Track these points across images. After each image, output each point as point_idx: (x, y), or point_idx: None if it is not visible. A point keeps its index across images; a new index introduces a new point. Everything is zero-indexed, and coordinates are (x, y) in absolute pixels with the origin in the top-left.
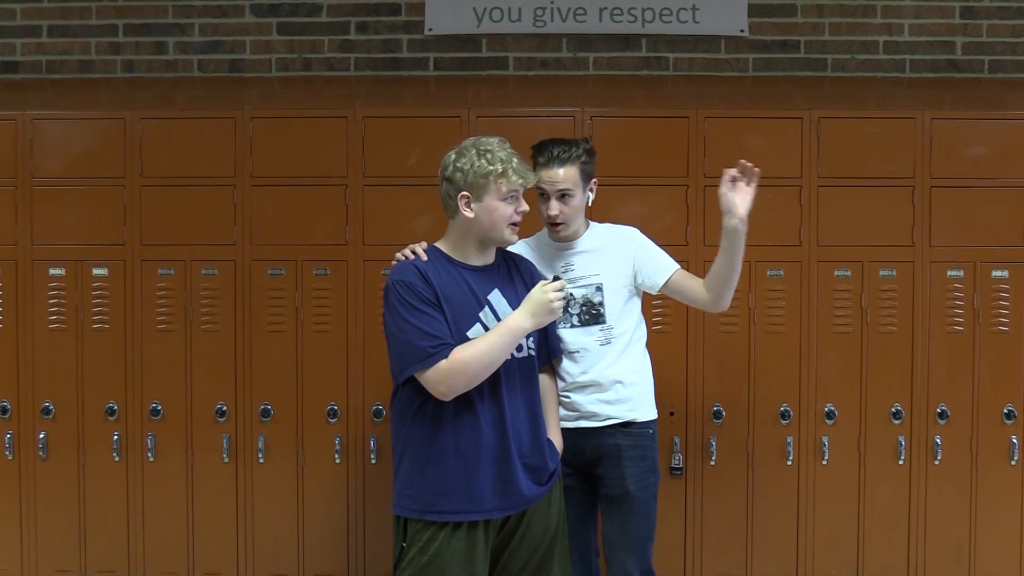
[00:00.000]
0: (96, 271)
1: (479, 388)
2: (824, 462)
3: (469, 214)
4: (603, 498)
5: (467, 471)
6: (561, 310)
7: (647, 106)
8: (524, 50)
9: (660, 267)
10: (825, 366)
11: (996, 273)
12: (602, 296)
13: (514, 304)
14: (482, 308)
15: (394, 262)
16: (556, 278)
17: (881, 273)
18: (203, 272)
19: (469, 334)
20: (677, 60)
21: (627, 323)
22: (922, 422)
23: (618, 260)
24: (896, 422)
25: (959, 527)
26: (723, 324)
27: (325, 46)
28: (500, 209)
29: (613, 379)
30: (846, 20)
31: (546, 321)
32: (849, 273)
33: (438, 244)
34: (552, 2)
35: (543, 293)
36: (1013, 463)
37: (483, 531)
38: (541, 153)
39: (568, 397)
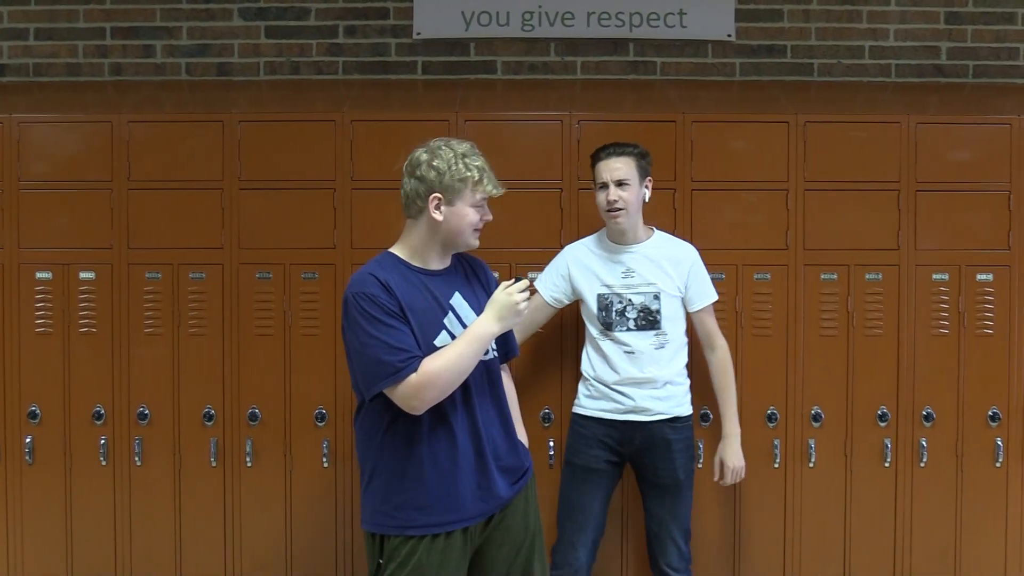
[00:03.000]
0: (83, 275)
1: (451, 398)
2: (811, 464)
3: (438, 216)
4: (654, 486)
5: (447, 483)
6: (526, 310)
7: (635, 110)
8: (512, 54)
9: (703, 294)
10: (811, 369)
11: (981, 276)
12: (659, 304)
13: (475, 306)
14: (446, 314)
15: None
16: (518, 278)
17: (867, 276)
18: (191, 276)
19: (436, 343)
20: (664, 64)
21: (679, 329)
22: (908, 424)
23: (675, 273)
24: (882, 424)
25: (945, 529)
26: None
27: (313, 50)
28: (469, 215)
29: (665, 379)
30: (832, 25)
31: (513, 323)
32: (835, 276)
33: (393, 250)
34: (540, 6)
35: (508, 295)
36: (998, 465)
37: (462, 536)
38: (602, 149)
39: (621, 390)
